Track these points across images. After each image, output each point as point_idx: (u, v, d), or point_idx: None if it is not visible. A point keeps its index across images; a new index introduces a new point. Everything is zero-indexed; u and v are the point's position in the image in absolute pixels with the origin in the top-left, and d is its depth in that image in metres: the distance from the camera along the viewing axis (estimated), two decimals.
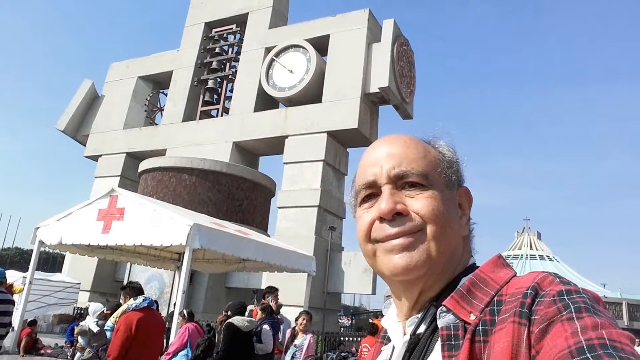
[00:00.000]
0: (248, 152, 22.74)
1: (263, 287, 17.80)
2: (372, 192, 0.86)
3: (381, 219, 0.82)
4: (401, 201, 0.82)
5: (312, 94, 20.81)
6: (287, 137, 20.45)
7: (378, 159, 0.86)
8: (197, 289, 17.68)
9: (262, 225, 19.89)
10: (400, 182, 0.83)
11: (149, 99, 26.64)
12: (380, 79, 19.42)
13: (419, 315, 0.82)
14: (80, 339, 7.59)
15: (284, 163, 20.36)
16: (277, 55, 22.04)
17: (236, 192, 19.12)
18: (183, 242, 7.86)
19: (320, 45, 21.42)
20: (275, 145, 21.41)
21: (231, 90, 24.15)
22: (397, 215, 0.81)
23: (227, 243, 8.72)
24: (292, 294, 14.45)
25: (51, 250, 13.63)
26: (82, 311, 16.61)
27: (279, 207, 19.79)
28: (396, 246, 0.80)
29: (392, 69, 19.52)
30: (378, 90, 19.51)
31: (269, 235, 16.79)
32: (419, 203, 0.81)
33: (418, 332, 0.80)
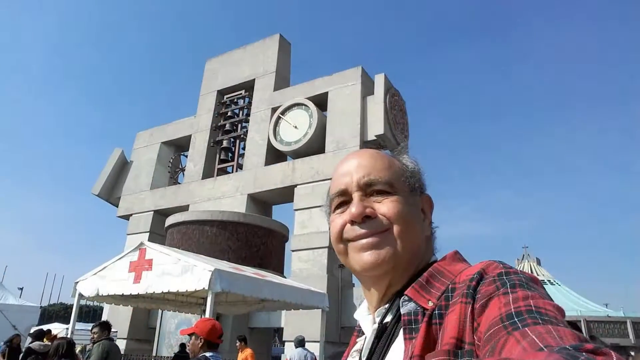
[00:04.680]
0: (262, 202, 22.79)
1: (283, 325, 17.59)
2: (344, 199, 0.89)
3: (352, 222, 0.85)
4: (370, 206, 0.85)
5: (315, 145, 21.02)
6: (295, 186, 20.51)
7: (349, 170, 0.90)
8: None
9: (278, 268, 19.73)
10: (369, 189, 0.87)
11: (171, 161, 26.99)
12: (376, 127, 19.62)
13: (386, 306, 0.84)
14: None
15: (295, 210, 20.35)
16: (282, 113, 22.39)
17: (253, 239, 19.06)
18: (206, 286, 7.82)
19: (320, 101, 21.78)
20: (286, 195, 21.46)
21: (244, 148, 24.40)
22: (366, 218, 0.84)
23: (246, 285, 8.65)
24: (310, 329, 14.22)
25: (91, 303, 13.56)
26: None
27: (293, 250, 19.64)
28: (365, 244, 0.83)
29: (386, 117, 19.74)
30: (375, 138, 19.64)
31: (285, 277, 16.63)
32: (385, 206, 0.85)
33: (385, 321, 0.83)
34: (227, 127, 25.07)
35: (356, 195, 0.87)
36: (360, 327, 0.95)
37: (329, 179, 18.95)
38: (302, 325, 15.15)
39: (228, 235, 18.72)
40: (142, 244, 9.25)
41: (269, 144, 22.46)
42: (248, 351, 10.12)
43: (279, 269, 19.41)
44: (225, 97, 25.94)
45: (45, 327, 12.15)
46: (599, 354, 0.48)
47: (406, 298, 0.79)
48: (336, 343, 17.09)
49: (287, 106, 22.40)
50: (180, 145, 27.37)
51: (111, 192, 27.23)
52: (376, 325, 0.84)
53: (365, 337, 0.89)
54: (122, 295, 9.47)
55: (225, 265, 9.29)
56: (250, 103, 24.85)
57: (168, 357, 14.52)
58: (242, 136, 24.64)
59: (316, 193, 19.58)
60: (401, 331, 0.77)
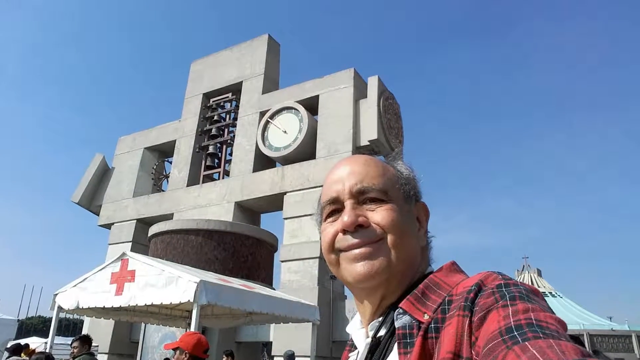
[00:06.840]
0: (249, 210, 22.71)
1: (272, 339, 17.51)
2: (336, 208, 0.89)
3: (344, 231, 0.85)
4: (362, 214, 0.85)
5: (306, 151, 20.99)
6: (285, 193, 20.46)
7: (341, 177, 0.90)
8: None
9: (267, 279, 19.65)
10: (361, 197, 0.87)
11: (155, 167, 26.85)
12: (370, 132, 19.64)
13: (380, 320, 0.84)
14: None
15: (284, 218, 20.28)
16: (271, 117, 22.36)
17: (241, 249, 18.98)
18: (191, 298, 7.77)
19: (311, 105, 21.78)
20: (275, 202, 21.39)
21: (230, 154, 24.33)
22: (359, 227, 0.84)
23: (233, 297, 8.61)
24: (300, 343, 14.19)
25: (71, 316, 13.47)
26: None
27: (282, 261, 19.55)
28: (358, 255, 0.82)
29: (379, 122, 19.76)
30: (368, 143, 19.67)
31: (274, 289, 16.57)
32: (379, 215, 0.84)
33: (379, 335, 0.82)
34: (214, 131, 24.98)
35: (348, 204, 0.86)
36: (352, 341, 0.94)
37: (320, 186, 18.99)
38: (292, 340, 15.09)
39: (214, 245, 18.63)
40: (124, 254, 9.18)
41: (257, 149, 22.41)
42: None
43: (267, 281, 19.34)
44: (212, 100, 25.87)
45: (23, 342, 12.02)
46: None
47: (401, 311, 0.78)
48: (327, 358, 17.03)
49: (276, 110, 22.37)
50: (164, 151, 27.24)
51: (92, 200, 27.01)
52: (369, 340, 0.83)
53: (358, 352, 0.88)
54: (104, 307, 9.38)
55: (212, 277, 9.24)
56: (237, 106, 24.77)
57: None
58: (229, 141, 24.56)
59: (306, 201, 19.54)
60: (395, 345, 0.76)
